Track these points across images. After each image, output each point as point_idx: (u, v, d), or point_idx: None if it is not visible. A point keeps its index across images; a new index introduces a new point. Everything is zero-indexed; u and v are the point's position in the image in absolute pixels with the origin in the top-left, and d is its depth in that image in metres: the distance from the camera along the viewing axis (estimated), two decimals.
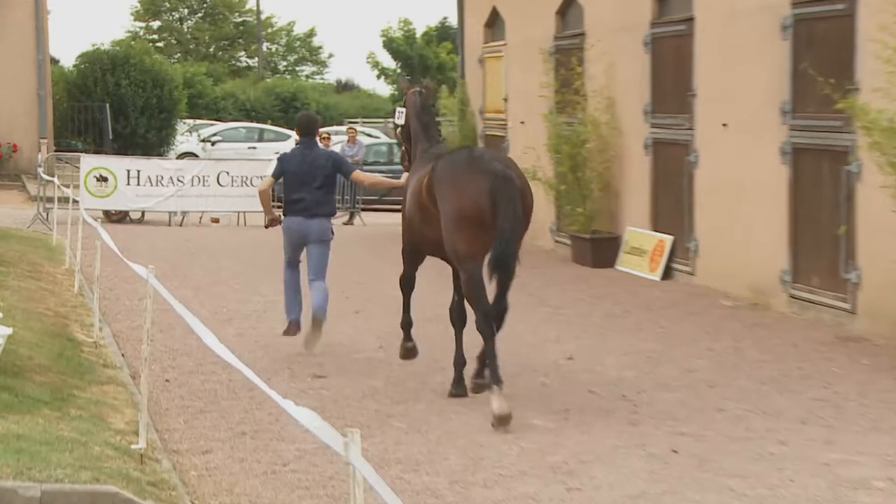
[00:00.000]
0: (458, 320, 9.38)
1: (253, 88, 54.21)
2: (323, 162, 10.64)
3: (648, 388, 9.54)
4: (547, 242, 18.91)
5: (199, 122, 44.09)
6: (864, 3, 11.87)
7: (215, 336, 5.91)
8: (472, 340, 9.09)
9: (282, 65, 70.03)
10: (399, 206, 10.34)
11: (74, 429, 7.23)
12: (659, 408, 8.89)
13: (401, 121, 10.33)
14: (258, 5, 70.41)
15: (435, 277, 11.30)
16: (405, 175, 10.05)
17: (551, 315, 12.97)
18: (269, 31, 69.01)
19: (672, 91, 15.70)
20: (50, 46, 30.78)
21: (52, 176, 21.02)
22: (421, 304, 10.71)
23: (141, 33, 64.99)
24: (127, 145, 31.86)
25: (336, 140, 29.47)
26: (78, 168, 23.05)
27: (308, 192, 10.54)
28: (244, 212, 22.76)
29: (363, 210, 25.27)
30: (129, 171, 22.62)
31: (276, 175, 10.76)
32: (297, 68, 69.73)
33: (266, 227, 11.26)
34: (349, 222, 24.31)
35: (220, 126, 42.26)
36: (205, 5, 67.07)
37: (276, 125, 43.61)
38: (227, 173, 22.96)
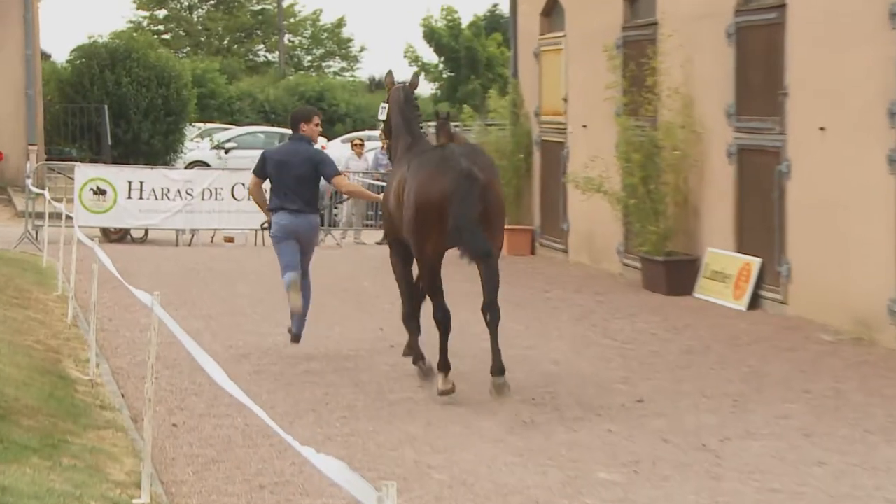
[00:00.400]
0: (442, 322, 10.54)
1: (273, 87, 54.48)
2: (303, 160, 11.86)
3: (733, 436, 9.49)
4: (614, 266, 18.87)
5: (211, 126, 44.48)
6: None
7: (227, 374, 5.94)
8: (480, 341, 9.04)
9: (306, 60, 70.42)
10: None
11: (67, 480, 7.28)
12: (745, 460, 8.84)
13: (383, 116, 11.97)
14: None
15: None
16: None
17: (619, 351, 12.94)
18: (292, 21, 69.41)
19: (760, 89, 15.65)
20: (41, 39, 31.12)
21: (43, 188, 21.22)
22: (464, 340, 10.73)
23: (144, 24, 65.62)
24: (128, 153, 32.16)
25: (369, 146, 29.49)
26: (72, 179, 23.27)
27: (291, 190, 11.82)
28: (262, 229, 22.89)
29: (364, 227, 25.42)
30: (130, 182, 22.80)
31: (259, 172, 12.06)
32: (324, 64, 70.11)
33: (263, 226, 12.54)
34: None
35: (236, 131, 42.59)
36: None
37: None
38: (244, 185, 22.71)
